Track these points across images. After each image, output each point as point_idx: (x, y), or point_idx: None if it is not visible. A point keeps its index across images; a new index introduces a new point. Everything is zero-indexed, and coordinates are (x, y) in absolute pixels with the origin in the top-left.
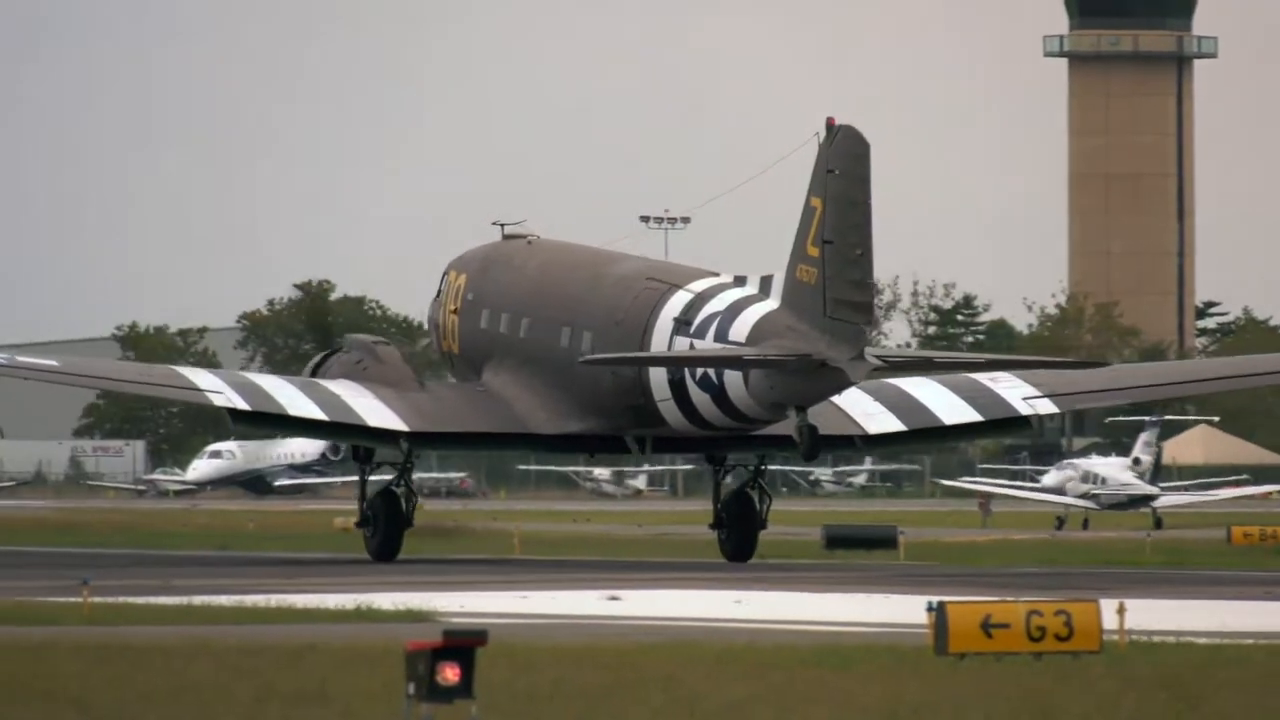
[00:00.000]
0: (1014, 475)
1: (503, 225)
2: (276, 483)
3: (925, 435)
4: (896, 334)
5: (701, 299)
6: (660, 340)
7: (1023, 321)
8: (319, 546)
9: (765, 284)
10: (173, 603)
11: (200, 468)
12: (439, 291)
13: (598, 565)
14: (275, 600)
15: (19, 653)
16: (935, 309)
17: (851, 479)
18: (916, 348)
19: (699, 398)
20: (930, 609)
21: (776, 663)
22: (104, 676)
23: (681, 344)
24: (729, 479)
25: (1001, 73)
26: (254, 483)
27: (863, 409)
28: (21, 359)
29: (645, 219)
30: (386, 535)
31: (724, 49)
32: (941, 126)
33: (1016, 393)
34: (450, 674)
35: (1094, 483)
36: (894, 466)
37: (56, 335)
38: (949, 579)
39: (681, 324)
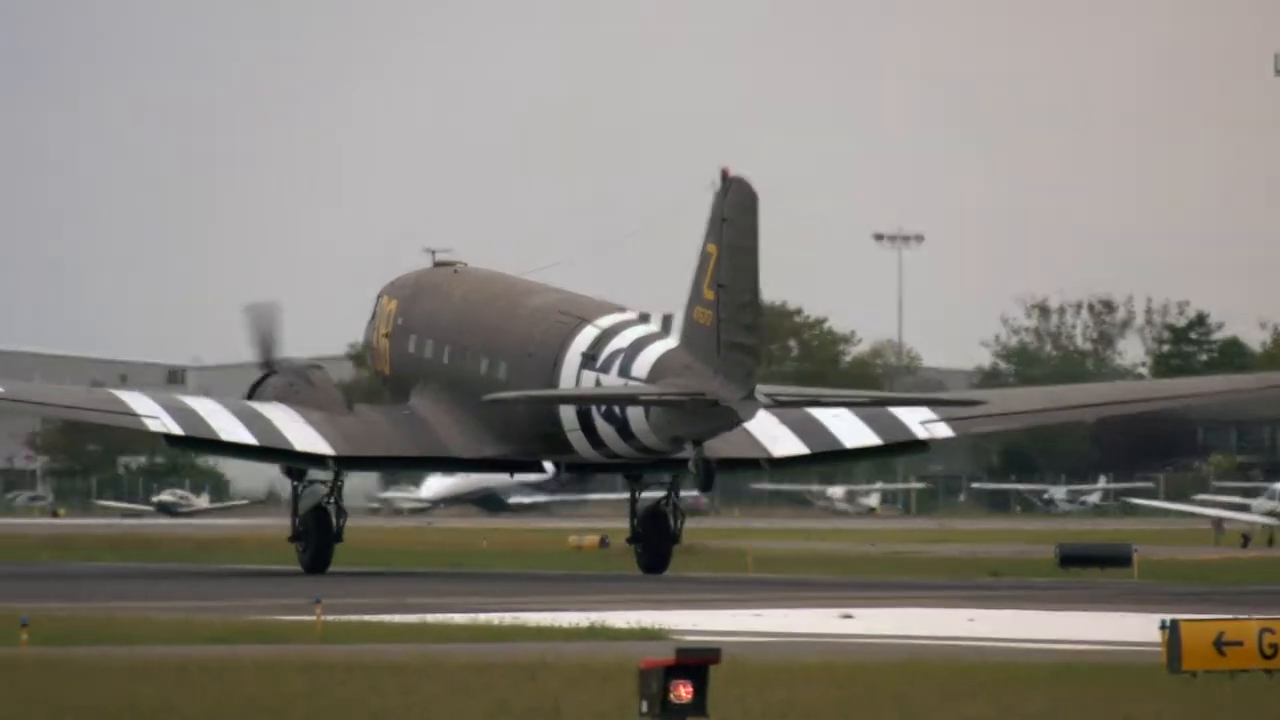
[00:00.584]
0: (1247, 493)
1: (434, 252)
2: (510, 500)
3: (827, 457)
4: (1130, 353)
5: (607, 335)
6: (569, 373)
7: (1256, 340)
8: (552, 564)
9: (666, 323)
10: (406, 620)
11: (434, 486)
12: (373, 314)
13: (830, 584)
14: (508, 618)
15: (251, 670)
16: (1169, 327)
17: (1085, 498)
18: (1151, 365)
19: (604, 429)
20: (1164, 627)
21: (1009, 681)
22: (336, 696)
23: (588, 377)
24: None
25: (1233, 89)
26: (488, 500)
27: (768, 432)
28: None
29: None
30: (318, 549)
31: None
32: (1173, 143)
33: (915, 416)
34: (683, 692)
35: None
36: (1129, 485)
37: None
38: (1182, 597)
39: (588, 358)
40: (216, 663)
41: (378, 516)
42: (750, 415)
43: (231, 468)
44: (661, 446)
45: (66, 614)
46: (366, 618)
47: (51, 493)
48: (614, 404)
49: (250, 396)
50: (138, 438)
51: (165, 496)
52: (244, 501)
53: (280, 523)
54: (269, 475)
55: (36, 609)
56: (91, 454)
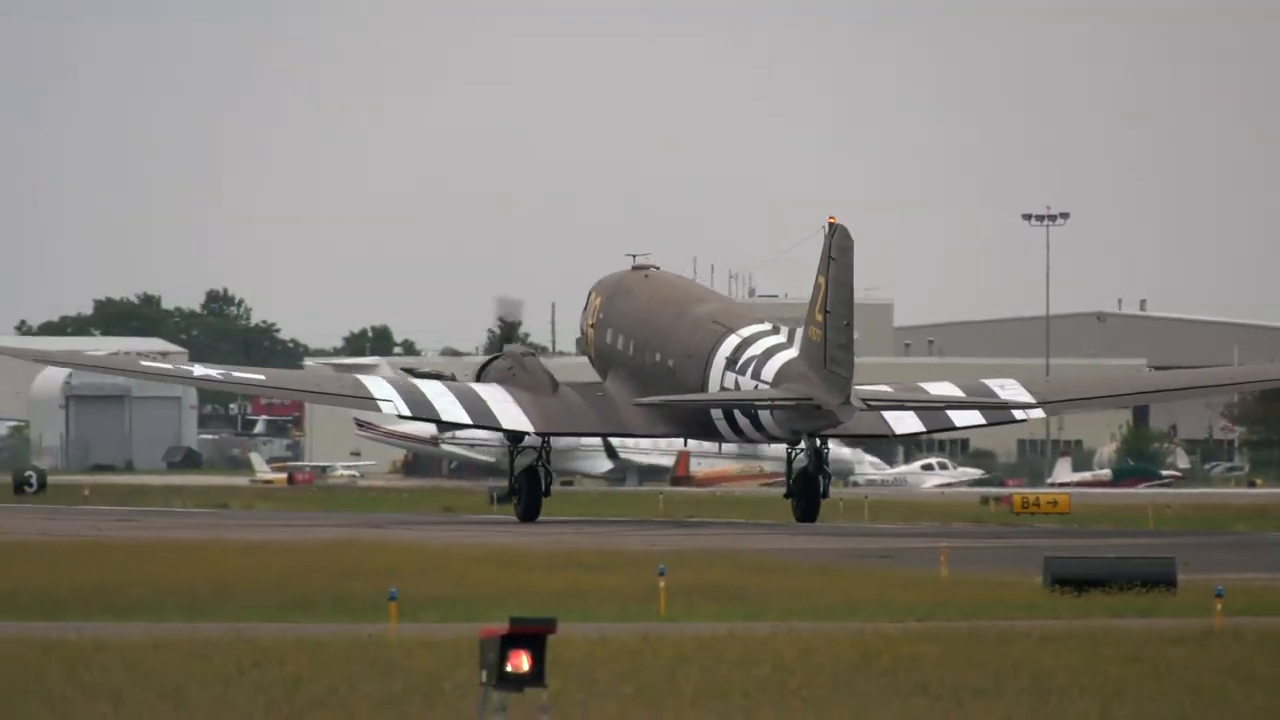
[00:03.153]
0: None
1: (634, 256)
2: None
3: (939, 431)
4: None
5: (746, 343)
6: (716, 373)
7: None
8: None
9: (791, 335)
10: None
11: None
12: (585, 306)
13: None
14: None
15: None
16: None
17: None
18: None
19: (742, 420)
20: None
21: None
22: None
23: (730, 378)
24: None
25: None
26: None
27: (893, 413)
28: (236, 374)
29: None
30: (529, 503)
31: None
32: None
33: (1016, 398)
34: None
35: None
36: None
37: None
38: None
39: (731, 362)
40: None
41: None
42: (848, 418)
43: None
44: (784, 436)
45: (1261, 585)
46: None
47: (1248, 463)
48: (739, 406)
49: (479, 376)
50: None
51: None
52: None
53: None
54: None
55: (1233, 580)
56: None
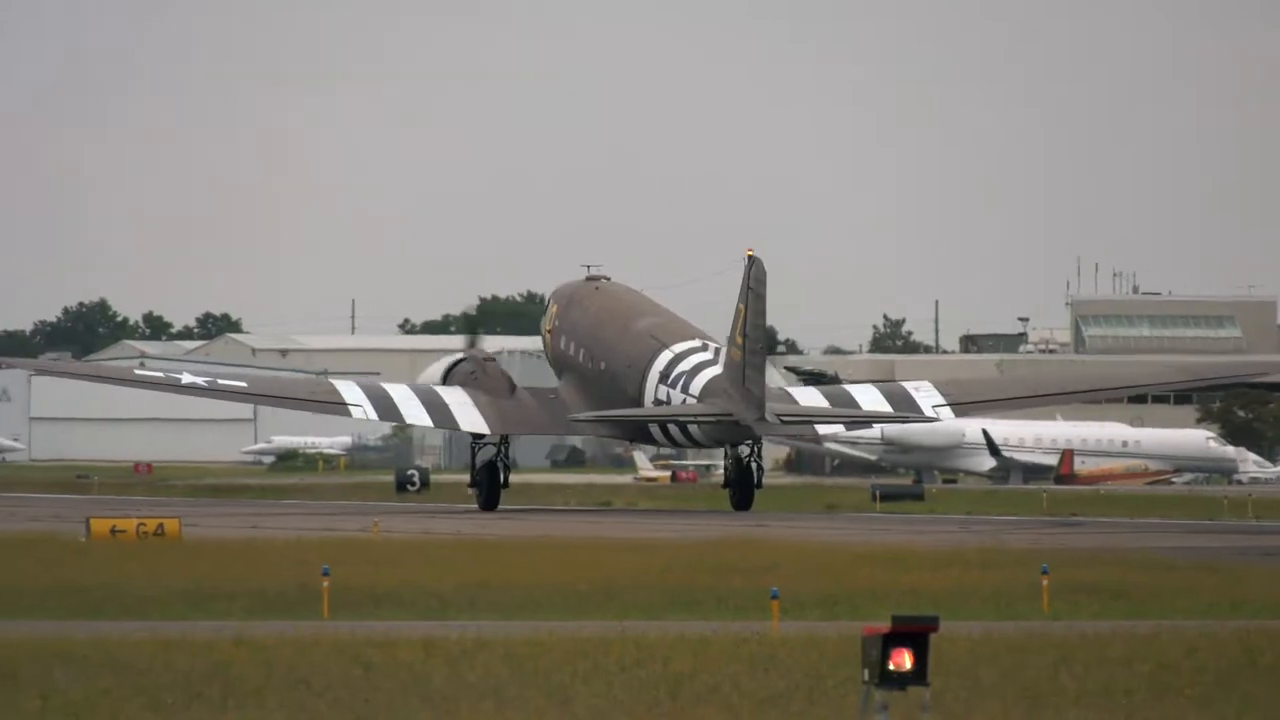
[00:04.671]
0: None
1: (588, 267)
2: None
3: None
4: None
5: (678, 358)
6: (651, 385)
7: None
8: None
9: (717, 353)
10: None
11: None
12: (544, 311)
13: None
14: None
15: None
16: None
17: None
18: None
19: (673, 429)
20: None
21: None
22: None
23: (663, 390)
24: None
25: None
26: None
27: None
28: (221, 381)
29: None
30: (489, 494)
31: None
32: None
33: (929, 401)
34: None
35: None
36: None
37: None
38: None
39: (664, 376)
40: None
41: None
42: (764, 433)
43: None
44: (708, 444)
45: None
46: None
47: None
48: (670, 421)
49: (444, 379)
50: None
51: None
52: None
53: None
54: None
55: None
56: None
